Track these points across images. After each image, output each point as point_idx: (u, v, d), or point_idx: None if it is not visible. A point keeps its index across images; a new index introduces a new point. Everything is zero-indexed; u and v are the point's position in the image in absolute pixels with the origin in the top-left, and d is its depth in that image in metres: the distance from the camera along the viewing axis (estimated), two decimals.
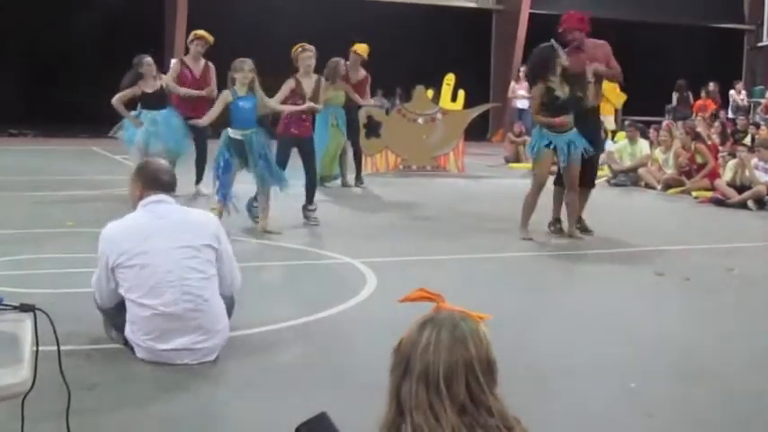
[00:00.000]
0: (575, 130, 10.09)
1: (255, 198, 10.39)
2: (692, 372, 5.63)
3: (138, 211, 5.52)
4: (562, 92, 9.96)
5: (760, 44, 31.18)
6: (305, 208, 10.87)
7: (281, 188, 10.18)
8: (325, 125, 14.05)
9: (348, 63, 14.79)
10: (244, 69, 9.87)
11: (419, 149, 17.54)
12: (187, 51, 13.52)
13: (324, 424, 2.64)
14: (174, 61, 13.10)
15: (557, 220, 10.65)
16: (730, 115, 24.95)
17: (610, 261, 9.62)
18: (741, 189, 13.88)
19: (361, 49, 15.12)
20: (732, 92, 26.91)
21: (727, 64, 31.50)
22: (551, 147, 10.07)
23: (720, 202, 13.93)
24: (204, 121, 10.49)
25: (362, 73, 15.08)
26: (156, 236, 5.36)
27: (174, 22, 25.48)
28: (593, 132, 10.64)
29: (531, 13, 28.90)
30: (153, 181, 5.55)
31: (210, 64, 13.15)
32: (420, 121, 17.65)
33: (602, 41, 10.75)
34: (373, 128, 16.91)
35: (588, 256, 9.72)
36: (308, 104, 10.56)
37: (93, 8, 26.19)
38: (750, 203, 13.58)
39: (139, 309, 5.32)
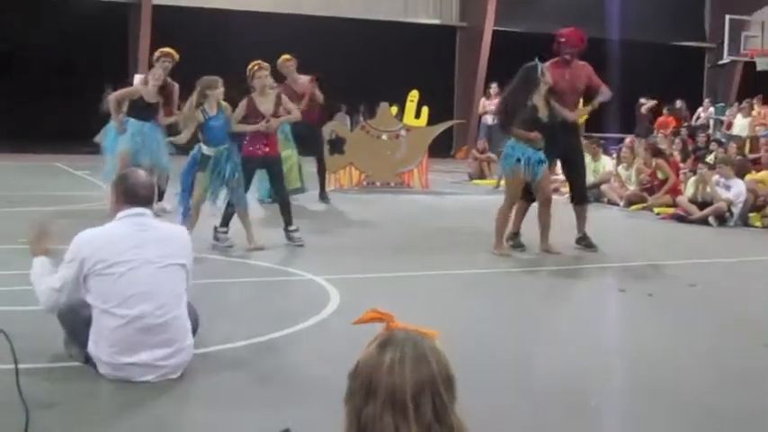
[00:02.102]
0: (542, 150, 10.19)
1: (222, 225, 10.29)
2: (654, 388, 5.64)
3: (117, 221, 5.49)
4: (543, 113, 10.05)
5: (721, 62, 31.48)
6: (286, 230, 10.60)
7: (241, 208, 10.15)
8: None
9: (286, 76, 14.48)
10: (219, 88, 9.91)
11: (383, 166, 17.56)
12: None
13: None
14: (138, 78, 12.94)
15: (515, 234, 10.71)
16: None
17: (573, 277, 9.66)
18: (702, 205, 13.99)
19: (285, 59, 14.72)
20: (700, 109, 27.16)
21: (688, 81, 31.80)
22: (524, 162, 10.10)
23: (682, 219, 14.02)
24: (182, 138, 10.23)
25: (304, 78, 14.77)
26: (139, 248, 5.34)
27: (137, 38, 25.40)
28: (574, 147, 10.93)
29: (494, 30, 29.03)
30: (131, 195, 5.52)
31: (175, 83, 13.00)
32: (384, 137, 17.68)
33: (584, 63, 10.94)
34: (337, 144, 16.91)
35: (551, 272, 9.75)
36: (264, 123, 10.42)
37: (57, 24, 26.07)
38: (711, 220, 13.69)
39: (109, 319, 5.26)
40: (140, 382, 5.26)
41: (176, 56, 12.74)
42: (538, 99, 10.06)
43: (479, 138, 23.06)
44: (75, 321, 5.51)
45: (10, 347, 3.33)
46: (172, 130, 11.79)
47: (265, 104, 10.55)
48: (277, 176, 10.74)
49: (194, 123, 9.96)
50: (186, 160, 10.17)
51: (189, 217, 9.95)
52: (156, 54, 12.94)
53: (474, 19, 29.71)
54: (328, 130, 16.81)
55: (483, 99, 25.49)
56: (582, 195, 11.14)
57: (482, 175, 20.55)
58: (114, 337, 5.27)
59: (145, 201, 5.57)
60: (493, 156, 21.10)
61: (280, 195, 10.77)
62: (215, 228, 10.33)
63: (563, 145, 10.54)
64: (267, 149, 10.53)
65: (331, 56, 25.08)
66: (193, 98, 10.01)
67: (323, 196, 15.07)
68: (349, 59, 28.20)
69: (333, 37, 27.05)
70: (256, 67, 10.73)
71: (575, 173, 11.10)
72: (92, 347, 5.37)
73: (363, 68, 28.49)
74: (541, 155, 10.18)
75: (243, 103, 10.54)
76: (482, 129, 24.71)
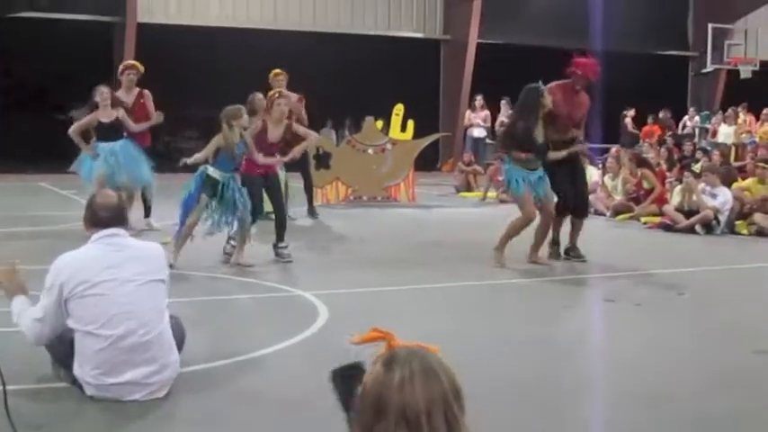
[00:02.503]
0: (541, 169, 10.30)
1: (232, 237, 10.29)
2: (644, 396, 5.64)
3: (91, 243, 5.47)
4: (540, 134, 10.13)
5: (704, 71, 31.63)
6: (275, 246, 10.62)
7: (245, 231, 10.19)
8: None
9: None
10: (243, 116, 9.96)
11: (369, 180, 17.55)
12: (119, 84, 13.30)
13: (359, 374, 2.61)
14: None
15: (555, 243, 10.97)
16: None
17: (561, 288, 9.67)
18: (689, 214, 14.01)
19: (275, 73, 14.71)
20: (685, 117, 27.25)
21: (673, 90, 31.92)
22: (526, 182, 10.22)
23: (669, 227, 14.05)
24: (199, 158, 10.15)
25: (293, 96, 14.72)
26: (116, 267, 5.32)
27: (122, 56, 25.36)
28: (574, 164, 10.96)
29: (478, 43, 29.09)
30: (97, 219, 5.50)
31: (146, 91, 13.00)
32: (370, 151, 17.68)
33: (587, 96, 11.08)
34: (323, 159, 16.91)
35: (539, 284, 9.75)
36: (286, 158, 10.55)
37: (41, 44, 26.04)
38: (698, 228, 13.72)
39: (92, 341, 5.23)
40: (128, 402, 5.24)
41: (141, 67, 12.88)
42: (535, 122, 10.18)
43: (465, 150, 23.10)
44: (60, 346, 5.48)
45: None
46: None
47: (276, 132, 10.58)
48: (275, 193, 10.77)
49: (215, 144, 9.93)
50: (193, 178, 10.03)
51: (181, 234, 9.91)
52: (120, 68, 13.06)
53: (458, 32, 29.77)
54: (314, 146, 16.79)
55: (468, 111, 25.53)
56: (583, 209, 11.20)
57: (469, 188, 20.57)
58: (99, 359, 5.24)
59: (113, 222, 5.50)
60: (479, 168, 21.17)
61: (277, 211, 10.75)
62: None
63: (566, 163, 10.64)
64: (266, 168, 10.53)
65: (316, 70, 25.10)
66: (225, 131, 9.91)
67: (311, 211, 15.08)
68: (334, 74, 28.24)
69: (317, 51, 27.07)
70: (277, 95, 10.76)
71: (578, 187, 11.14)
72: (77, 370, 5.34)
73: (348, 83, 28.51)
74: (539, 173, 10.30)
75: (257, 126, 10.55)
76: (468, 141, 24.75)
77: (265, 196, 10.77)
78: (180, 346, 5.64)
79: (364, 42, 29.09)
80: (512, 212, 10.67)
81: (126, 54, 24.64)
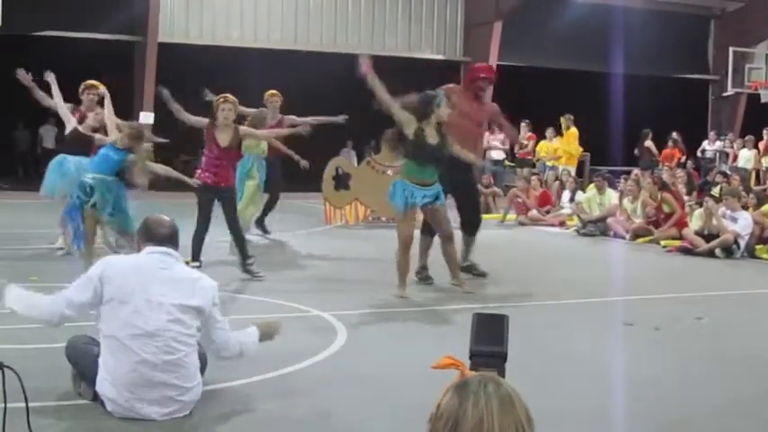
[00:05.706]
0: (437, 185, 9.90)
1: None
2: (663, 421, 5.63)
3: (143, 254, 5.58)
4: (433, 139, 9.86)
5: (725, 94, 31.57)
6: (242, 264, 10.56)
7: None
8: (244, 173, 13.59)
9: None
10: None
11: (389, 201, 17.50)
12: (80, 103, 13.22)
13: (498, 324, 2.62)
14: (68, 106, 13.15)
15: (423, 267, 10.65)
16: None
17: (579, 311, 9.63)
18: (709, 238, 13.98)
19: (270, 93, 14.61)
20: (705, 142, 27.17)
21: (692, 114, 31.83)
22: (411, 201, 9.85)
23: (688, 251, 14.02)
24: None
25: (276, 118, 14.53)
26: (157, 284, 5.39)
27: (143, 76, 25.51)
28: (464, 180, 10.86)
29: (498, 65, 29.09)
30: (152, 236, 5.61)
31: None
32: (389, 172, 17.63)
33: (493, 104, 11.48)
34: (342, 180, 16.93)
35: (557, 307, 9.73)
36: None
37: (62, 62, 26.17)
38: (718, 252, 13.68)
39: (116, 352, 5.28)
40: (147, 420, 5.26)
41: (102, 87, 12.81)
42: (428, 126, 9.92)
43: (484, 172, 23.10)
44: (84, 359, 5.54)
45: (20, 386, 3.33)
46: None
47: (225, 138, 10.68)
48: (227, 208, 10.73)
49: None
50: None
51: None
52: (81, 87, 13.09)
53: (477, 54, 29.74)
54: (333, 166, 16.85)
55: (487, 133, 25.53)
56: (472, 228, 11.09)
57: (487, 210, 20.54)
58: (121, 372, 5.27)
59: (169, 240, 5.63)
60: (498, 190, 21.17)
61: (231, 228, 10.75)
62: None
63: (453, 178, 10.36)
64: (216, 179, 10.62)
65: (337, 91, 25.18)
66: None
67: (260, 223, 14.67)
68: (354, 94, 28.25)
69: (338, 72, 27.11)
70: (221, 100, 10.79)
71: (465, 205, 11.11)
72: (99, 385, 5.38)
73: (369, 103, 28.57)
74: (431, 191, 9.87)
75: (207, 122, 10.73)
76: (487, 163, 24.76)
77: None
78: (202, 369, 5.67)
79: (384, 64, 28.95)
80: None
81: (147, 74, 24.79)
